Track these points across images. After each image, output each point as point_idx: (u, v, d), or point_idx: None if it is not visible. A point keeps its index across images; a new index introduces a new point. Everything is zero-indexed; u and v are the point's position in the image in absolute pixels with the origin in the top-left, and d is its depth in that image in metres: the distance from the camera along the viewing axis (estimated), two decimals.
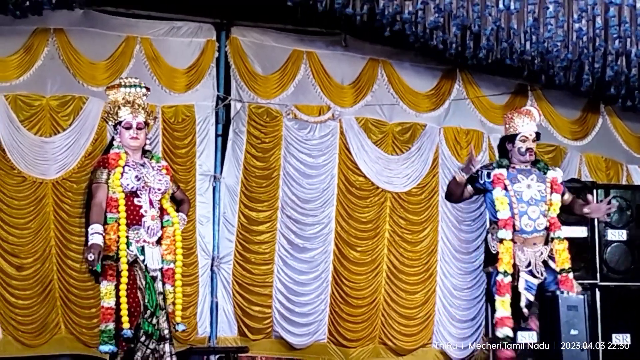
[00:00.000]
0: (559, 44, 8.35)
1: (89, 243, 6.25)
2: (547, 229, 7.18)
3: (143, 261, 6.40)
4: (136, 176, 6.47)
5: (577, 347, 6.71)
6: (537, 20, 8.00)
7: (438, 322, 10.39)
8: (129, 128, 6.60)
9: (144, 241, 6.43)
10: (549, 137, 10.94)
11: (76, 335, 9.00)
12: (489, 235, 7.27)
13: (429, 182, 10.50)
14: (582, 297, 6.96)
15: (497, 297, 7.02)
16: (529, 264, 7.09)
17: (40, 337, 8.96)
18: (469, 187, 7.32)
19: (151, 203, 6.49)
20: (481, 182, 7.27)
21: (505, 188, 7.17)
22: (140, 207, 6.46)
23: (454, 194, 7.42)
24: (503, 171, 7.23)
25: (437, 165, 10.54)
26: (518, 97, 10.86)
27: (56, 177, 9.07)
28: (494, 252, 7.15)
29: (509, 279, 7.01)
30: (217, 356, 9.38)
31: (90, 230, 6.29)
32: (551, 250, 7.15)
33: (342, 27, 9.43)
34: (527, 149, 7.25)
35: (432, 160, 10.51)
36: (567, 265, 7.13)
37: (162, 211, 6.61)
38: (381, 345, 10.19)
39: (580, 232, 9.45)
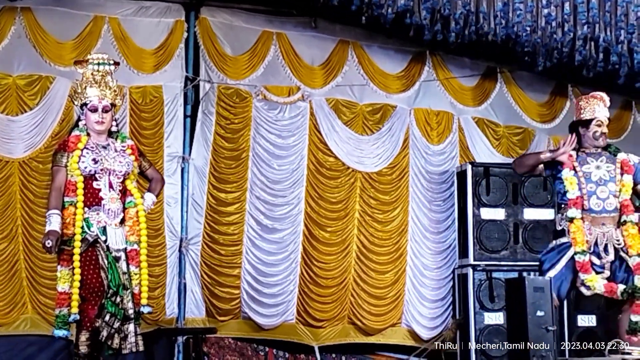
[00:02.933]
0: (528, 28, 8.39)
1: (46, 229, 6.35)
2: (618, 210, 7.15)
3: (105, 241, 6.44)
4: (93, 159, 6.50)
5: (543, 328, 6.76)
6: (507, 5, 8.04)
7: (408, 301, 10.42)
8: (94, 111, 6.60)
9: (106, 222, 6.47)
10: (518, 120, 11.09)
11: (42, 315, 8.94)
12: (559, 215, 7.28)
13: (400, 162, 10.52)
14: (548, 279, 6.98)
15: (585, 276, 7.00)
16: (595, 245, 7.08)
17: (7, 316, 8.92)
18: (541, 166, 7.34)
19: (111, 185, 6.53)
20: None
21: (574, 169, 7.17)
22: (100, 190, 6.51)
23: (526, 167, 7.38)
24: (572, 153, 7.23)
25: (408, 145, 10.56)
26: (487, 79, 10.92)
27: (23, 156, 8.99)
28: (559, 229, 7.21)
29: (587, 257, 7.00)
30: (184, 337, 9.35)
31: (48, 217, 6.40)
32: (622, 233, 7.12)
33: (312, 9, 9.37)
34: (602, 134, 7.28)
35: (402, 141, 10.53)
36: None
37: (128, 192, 6.64)
38: (350, 325, 10.22)
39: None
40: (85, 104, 6.59)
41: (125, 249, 6.54)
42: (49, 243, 6.25)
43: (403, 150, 10.54)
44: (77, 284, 6.34)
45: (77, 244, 6.37)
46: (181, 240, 9.53)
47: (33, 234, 8.87)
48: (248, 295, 9.70)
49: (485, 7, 8.03)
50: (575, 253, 7.02)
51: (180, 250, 9.52)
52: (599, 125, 7.27)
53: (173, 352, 9.37)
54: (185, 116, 9.68)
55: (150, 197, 6.86)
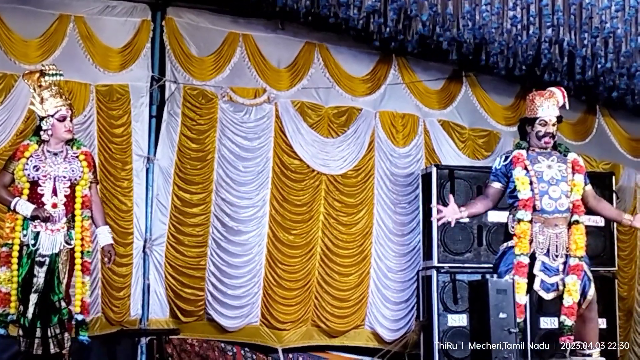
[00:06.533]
0: (493, 30, 8.45)
1: (28, 213, 6.61)
2: (569, 210, 6.91)
3: (34, 245, 6.68)
4: (35, 166, 6.74)
5: (506, 330, 6.76)
6: (473, 7, 8.09)
7: (371, 303, 10.45)
8: (63, 120, 6.82)
9: (44, 227, 6.70)
10: (483, 123, 11.17)
11: None
12: (510, 216, 6.99)
13: (365, 164, 10.56)
14: (511, 280, 6.82)
15: (518, 279, 6.77)
16: (548, 247, 6.86)
17: None
18: (497, 186, 7.06)
19: (54, 191, 6.73)
20: (499, 169, 7.03)
21: (526, 168, 6.89)
22: (42, 195, 6.72)
23: None
24: (522, 151, 6.97)
25: (373, 148, 10.61)
26: (453, 82, 11.00)
27: None
28: (512, 232, 6.92)
29: (526, 259, 6.80)
30: (148, 338, 9.31)
31: (15, 206, 6.66)
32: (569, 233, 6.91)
33: (279, 11, 9.38)
34: (546, 134, 6.96)
35: (368, 143, 10.57)
36: (581, 252, 6.88)
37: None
38: (314, 328, 10.23)
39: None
40: (52, 115, 6.78)
41: (55, 254, 6.70)
42: (47, 213, 6.59)
43: (368, 152, 10.58)
44: (15, 285, 6.62)
45: (16, 247, 6.65)
46: (145, 241, 9.49)
47: None
48: (212, 296, 9.68)
49: (451, 8, 8.06)
50: (517, 255, 6.83)
51: (144, 251, 9.48)
52: (543, 125, 6.96)
53: (136, 353, 9.32)
54: (150, 116, 9.64)
55: (105, 232, 7.06)
